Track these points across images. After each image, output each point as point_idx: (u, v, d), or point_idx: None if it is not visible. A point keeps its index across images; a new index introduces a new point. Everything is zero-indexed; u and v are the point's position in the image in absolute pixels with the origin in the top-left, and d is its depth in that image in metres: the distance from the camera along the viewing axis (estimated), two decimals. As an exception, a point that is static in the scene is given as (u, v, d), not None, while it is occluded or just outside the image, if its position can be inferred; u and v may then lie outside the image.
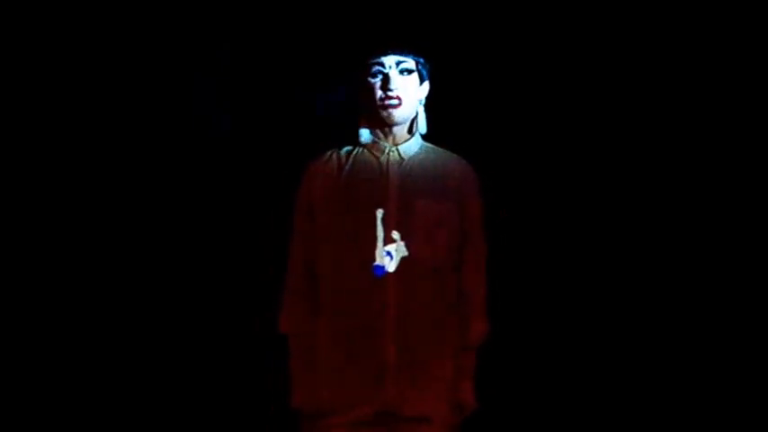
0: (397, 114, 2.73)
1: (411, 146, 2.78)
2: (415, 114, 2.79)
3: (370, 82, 2.73)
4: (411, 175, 2.73)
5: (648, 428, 3.47)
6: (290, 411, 2.73)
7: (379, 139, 2.77)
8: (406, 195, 2.70)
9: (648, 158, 3.54)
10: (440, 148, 2.82)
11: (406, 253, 2.66)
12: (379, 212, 2.69)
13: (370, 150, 2.77)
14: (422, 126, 2.80)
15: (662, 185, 3.53)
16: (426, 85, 2.81)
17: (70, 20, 3.51)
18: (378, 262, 2.65)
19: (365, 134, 2.78)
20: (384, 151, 2.76)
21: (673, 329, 3.50)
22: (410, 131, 2.79)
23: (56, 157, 3.52)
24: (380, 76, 2.72)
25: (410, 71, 2.75)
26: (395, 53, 2.74)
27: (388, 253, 2.67)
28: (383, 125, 2.76)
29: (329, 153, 2.80)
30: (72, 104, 3.53)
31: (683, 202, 3.51)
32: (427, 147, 2.81)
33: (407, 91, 2.73)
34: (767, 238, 3.47)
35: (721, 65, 3.49)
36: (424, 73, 2.80)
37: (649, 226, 3.53)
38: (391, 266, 2.65)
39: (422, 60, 2.78)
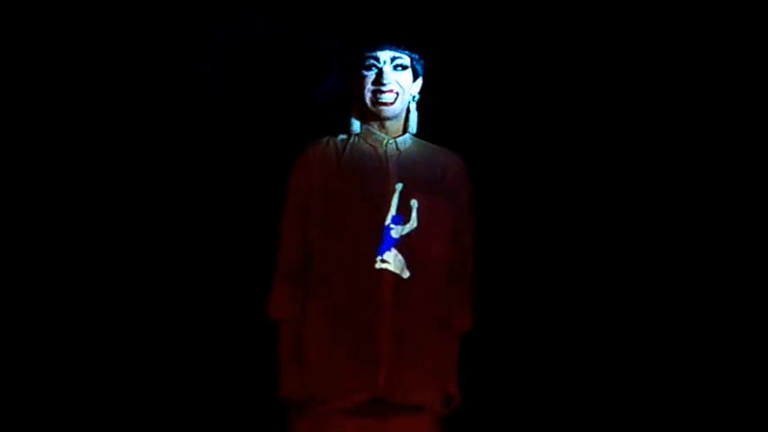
0: (389, 111, 2.77)
1: (406, 139, 2.82)
2: (407, 109, 2.81)
3: (363, 75, 2.76)
4: (408, 167, 2.77)
5: (637, 423, 3.49)
6: (276, 400, 2.74)
7: (374, 130, 2.78)
8: (404, 187, 2.73)
9: (643, 156, 3.56)
10: (428, 143, 2.85)
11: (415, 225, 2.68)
12: (399, 186, 2.72)
13: (366, 140, 2.79)
14: (413, 126, 2.82)
15: (656, 182, 3.56)
16: (420, 81, 2.84)
17: (69, 10, 3.53)
18: (388, 222, 2.68)
19: (356, 124, 2.81)
20: (383, 143, 2.79)
21: (664, 327, 3.54)
22: (404, 127, 2.82)
23: (53, 149, 3.55)
24: (374, 70, 2.75)
25: (404, 67, 2.78)
26: (390, 48, 2.76)
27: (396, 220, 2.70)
28: (376, 118, 2.79)
29: (326, 139, 2.82)
30: (70, 100, 3.56)
31: (677, 198, 3.54)
32: (417, 140, 2.85)
33: (400, 86, 2.76)
34: (764, 237, 3.47)
35: (721, 65, 3.51)
36: (419, 69, 2.83)
37: (641, 222, 3.56)
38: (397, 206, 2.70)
39: (416, 56, 2.81)
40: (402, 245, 2.70)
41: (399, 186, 2.73)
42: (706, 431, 3.44)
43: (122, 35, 3.54)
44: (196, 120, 3.59)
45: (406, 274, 2.68)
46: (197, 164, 3.58)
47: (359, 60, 2.76)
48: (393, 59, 2.75)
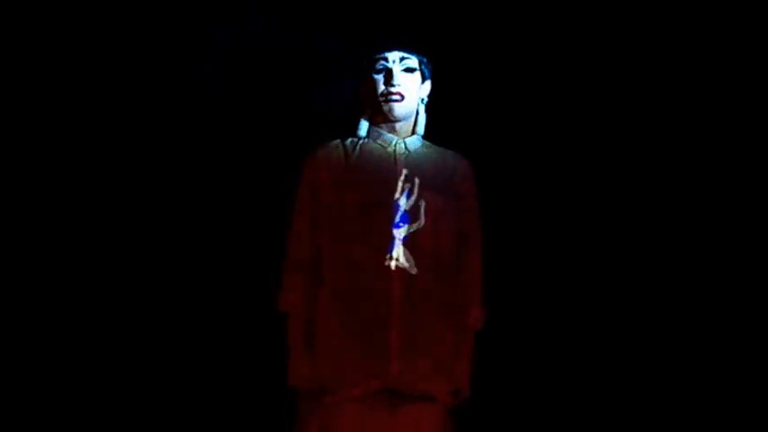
0: (398, 109, 2.79)
1: (414, 140, 2.85)
2: (416, 112, 2.84)
3: (373, 77, 2.79)
4: (417, 167, 2.79)
5: (644, 424, 3.50)
6: (286, 390, 2.76)
7: (383, 132, 2.82)
8: (412, 186, 2.76)
9: (647, 158, 3.58)
10: (436, 146, 2.88)
11: (423, 223, 2.72)
12: (404, 171, 2.76)
13: (375, 141, 2.82)
14: (420, 128, 2.86)
15: (660, 185, 3.57)
16: (428, 84, 2.87)
17: (69, 10, 3.53)
18: (397, 221, 2.72)
19: (364, 127, 2.83)
20: (391, 143, 2.81)
21: (666, 326, 3.57)
22: (413, 130, 2.85)
23: (54, 150, 3.55)
24: (384, 72, 2.78)
25: (413, 69, 2.81)
26: (399, 50, 2.80)
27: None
28: (386, 120, 2.81)
29: (335, 142, 2.85)
30: (70, 100, 3.56)
31: (679, 199, 3.57)
32: (426, 143, 2.88)
33: (409, 87, 2.79)
34: (765, 237, 3.49)
35: (721, 65, 3.53)
36: (426, 73, 2.86)
37: (645, 225, 3.58)
38: (407, 205, 2.73)
39: (425, 60, 2.85)
40: (410, 243, 2.72)
41: (407, 186, 2.75)
42: (707, 431, 3.45)
43: (122, 35, 3.55)
44: (196, 120, 3.59)
45: (414, 271, 2.71)
46: (197, 164, 3.59)
47: (368, 64, 2.80)
48: (402, 59, 2.79)
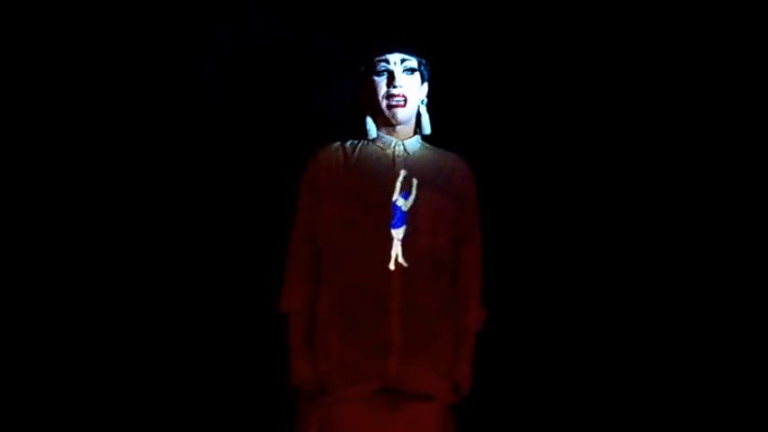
0: (402, 114, 2.81)
1: (413, 142, 2.86)
2: (416, 113, 2.85)
3: (374, 80, 2.80)
4: (415, 168, 2.81)
5: (644, 424, 3.51)
6: (286, 390, 2.78)
7: (382, 134, 2.84)
8: (410, 187, 2.77)
9: (646, 157, 3.58)
10: (436, 147, 2.89)
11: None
12: (402, 172, 2.77)
13: (375, 143, 2.84)
14: (426, 128, 2.87)
15: (660, 185, 3.57)
16: (426, 85, 2.88)
17: (69, 10, 3.53)
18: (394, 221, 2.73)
19: (373, 127, 2.84)
20: (390, 145, 2.83)
21: (666, 326, 3.58)
22: (414, 131, 2.87)
23: (53, 150, 3.56)
24: (386, 75, 2.79)
25: (413, 70, 2.82)
26: (399, 51, 2.81)
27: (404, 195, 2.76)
28: (386, 123, 2.83)
29: (336, 144, 2.86)
30: (70, 100, 3.57)
31: (678, 199, 3.57)
32: (425, 144, 2.89)
33: (410, 89, 2.81)
34: (765, 237, 3.50)
35: (721, 65, 3.53)
36: (425, 73, 2.87)
37: (644, 224, 3.59)
38: (405, 206, 2.74)
39: (423, 61, 2.86)
40: (409, 243, 2.73)
41: (405, 186, 2.77)
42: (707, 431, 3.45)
43: (123, 35, 3.56)
44: (196, 120, 3.60)
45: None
46: (197, 164, 3.59)
47: (368, 66, 2.80)
48: (403, 61, 2.80)
